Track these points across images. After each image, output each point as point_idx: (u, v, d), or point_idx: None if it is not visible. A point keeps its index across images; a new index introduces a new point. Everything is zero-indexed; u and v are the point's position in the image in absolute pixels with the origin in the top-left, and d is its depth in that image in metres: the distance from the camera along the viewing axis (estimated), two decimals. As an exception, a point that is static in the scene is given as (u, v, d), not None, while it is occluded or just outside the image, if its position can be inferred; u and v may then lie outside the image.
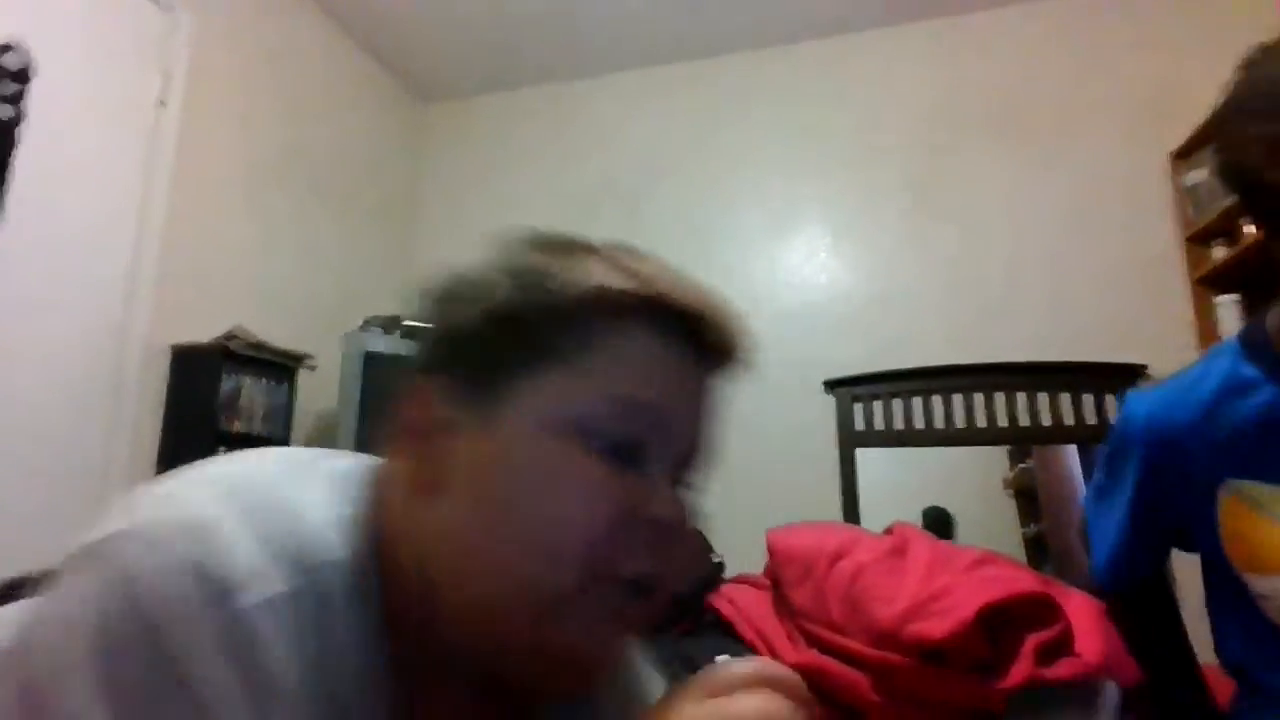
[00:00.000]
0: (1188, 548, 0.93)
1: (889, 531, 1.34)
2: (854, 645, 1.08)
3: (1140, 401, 0.94)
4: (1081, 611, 0.97)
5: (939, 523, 2.49)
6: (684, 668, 1.43)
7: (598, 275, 0.44)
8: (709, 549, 1.83)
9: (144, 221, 2.17)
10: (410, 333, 2.50)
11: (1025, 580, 1.01)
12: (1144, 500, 0.91)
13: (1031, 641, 0.92)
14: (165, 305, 2.21)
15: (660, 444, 0.44)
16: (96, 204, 2.05)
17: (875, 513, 2.48)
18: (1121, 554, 0.93)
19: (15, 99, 1.80)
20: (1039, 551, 2.49)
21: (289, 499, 0.41)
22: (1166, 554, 0.96)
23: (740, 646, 1.40)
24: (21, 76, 1.81)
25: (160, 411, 2.19)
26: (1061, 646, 0.93)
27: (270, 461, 0.45)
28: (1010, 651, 0.94)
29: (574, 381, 0.43)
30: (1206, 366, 0.90)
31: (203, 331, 2.25)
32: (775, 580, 1.47)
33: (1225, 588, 0.87)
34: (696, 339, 0.45)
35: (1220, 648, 0.91)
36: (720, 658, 1.50)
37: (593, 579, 0.40)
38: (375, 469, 0.47)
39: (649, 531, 0.42)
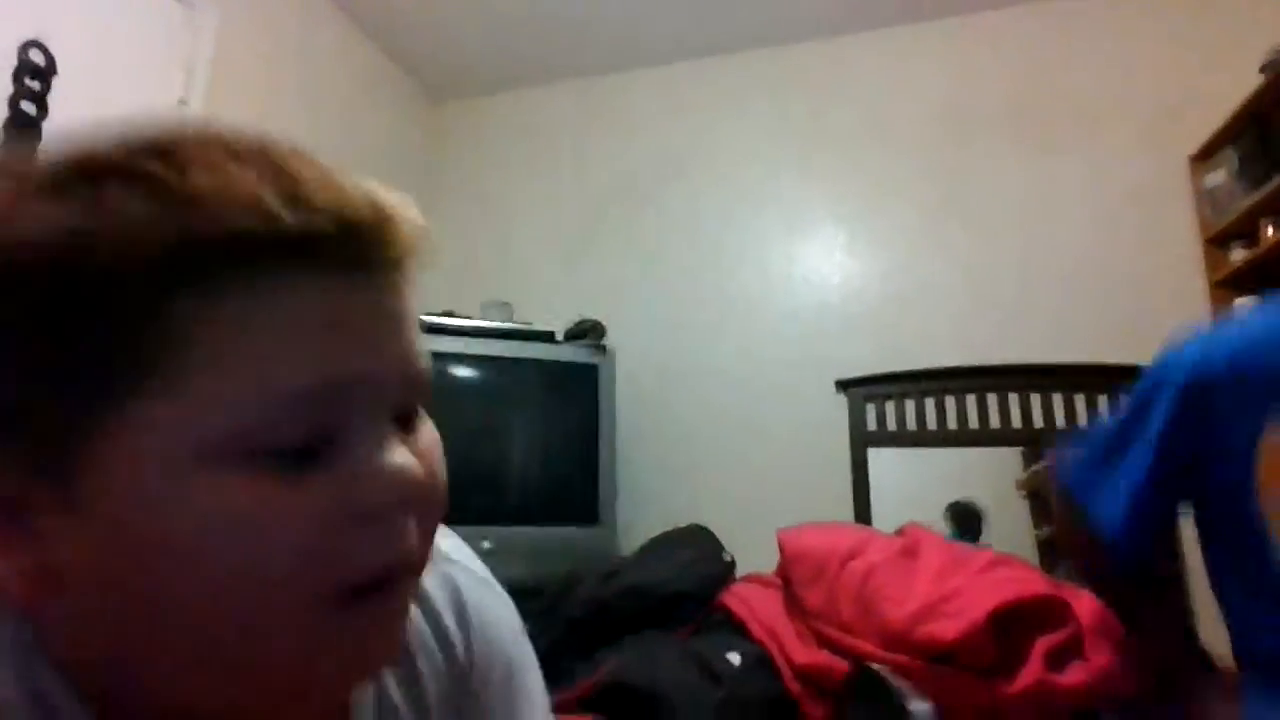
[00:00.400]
0: (1199, 506, 0.91)
1: (900, 532, 1.35)
2: (864, 646, 1.08)
3: (1181, 348, 0.93)
4: (1091, 615, 0.97)
5: (966, 517, 2.47)
6: (695, 665, 1.44)
7: (144, 223, 0.29)
8: (719, 548, 1.83)
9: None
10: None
11: (1037, 583, 1.01)
12: (1168, 447, 0.89)
13: (1041, 645, 0.92)
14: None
15: (356, 409, 0.33)
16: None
17: (887, 513, 2.47)
18: (1138, 507, 0.90)
19: (39, 95, 1.83)
20: (1052, 554, 2.47)
21: None
22: (1176, 515, 0.94)
23: (750, 645, 1.40)
24: (45, 73, 1.84)
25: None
26: (1071, 650, 0.93)
27: None
28: (1020, 655, 0.94)
29: (187, 400, 0.29)
30: (1248, 317, 0.90)
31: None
32: (786, 580, 1.48)
33: (1243, 557, 0.85)
34: (344, 256, 0.32)
35: (1228, 617, 0.89)
36: (730, 655, 1.51)
37: (324, 611, 0.32)
38: None
39: (373, 519, 0.33)
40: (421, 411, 0.38)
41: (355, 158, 2.49)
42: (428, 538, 0.36)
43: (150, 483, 0.30)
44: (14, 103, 1.79)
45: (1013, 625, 0.95)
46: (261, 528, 0.30)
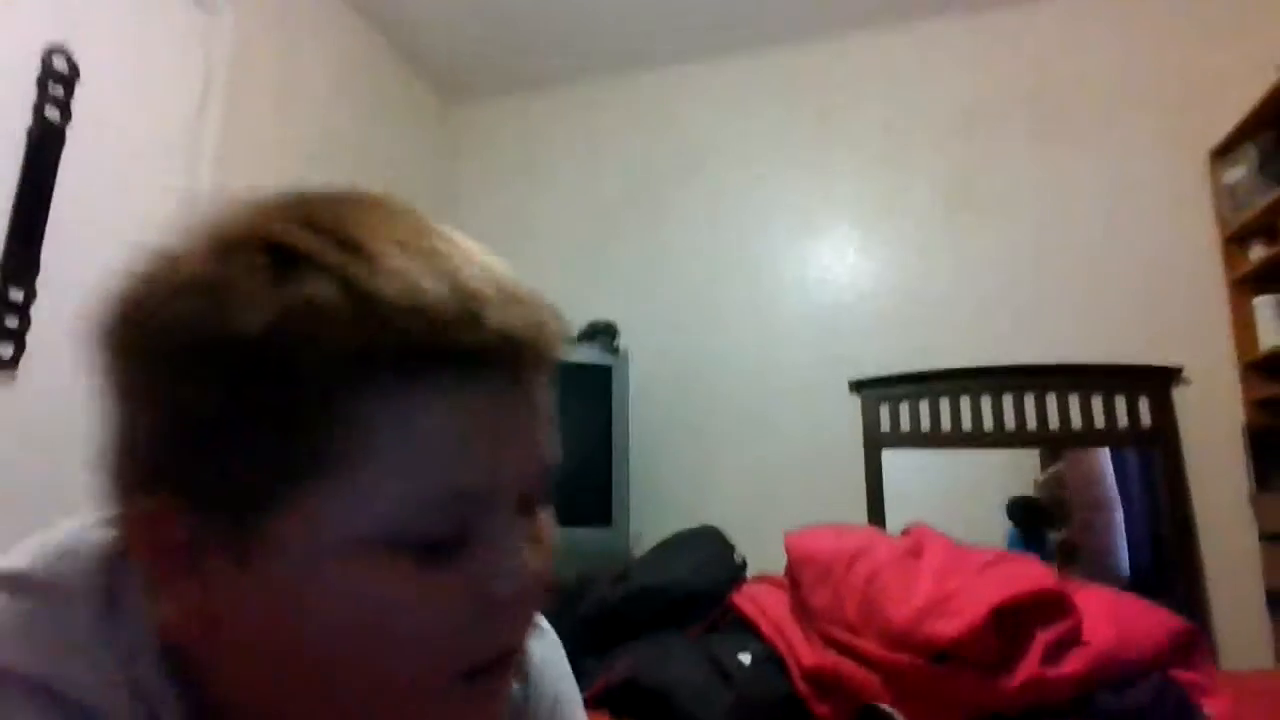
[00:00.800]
0: None
1: (906, 533, 1.35)
2: (867, 646, 1.09)
3: None
4: (1094, 601, 0.96)
5: (1029, 513, 2.45)
6: (706, 664, 1.45)
7: (343, 328, 0.31)
8: (730, 549, 1.84)
9: (186, 219, 2.23)
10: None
11: (1038, 578, 1.00)
12: None
13: (1040, 640, 0.92)
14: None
15: (496, 507, 0.36)
16: (140, 202, 2.11)
17: (903, 515, 2.46)
18: None
19: (62, 101, 1.87)
20: (1069, 555, 2.46)
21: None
22: None
23: (760, 644, 1.41)
24: (68, 80, 1.88)
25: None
26: (1070, 641, 0.93)
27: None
28: (1021, 650, 0.93)
29: (358, 489, 0.32)
30: None
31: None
32: (794, 582, 1.48)
33: None
34: (505, 366, 0.35)
35: None
36: (741, 655, 1.51)
37: (443, 690, 0.35)
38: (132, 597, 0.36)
39: (499, 612, 0.35)
40: (539, 496, 0.40)
41: (370, 159, 2.55)
42: (535, 616, 0.40)
43: (311, 561, 0.32)
44: (39, 109, 1.82)
45: (1014, 621, 0.95)
46: (403, 612, 0.33)
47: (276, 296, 0.31)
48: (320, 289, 0.31)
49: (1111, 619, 0.94)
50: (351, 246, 0.33)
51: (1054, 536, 2.47)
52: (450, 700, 0.35)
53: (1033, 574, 1.03)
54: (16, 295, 1.77)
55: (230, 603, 0.33)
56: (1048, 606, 0.95)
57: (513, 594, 0.36)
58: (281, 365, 0.31)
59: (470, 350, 0.33)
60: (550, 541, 0.40)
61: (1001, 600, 0.94)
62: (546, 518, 0.40)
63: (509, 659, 0.38)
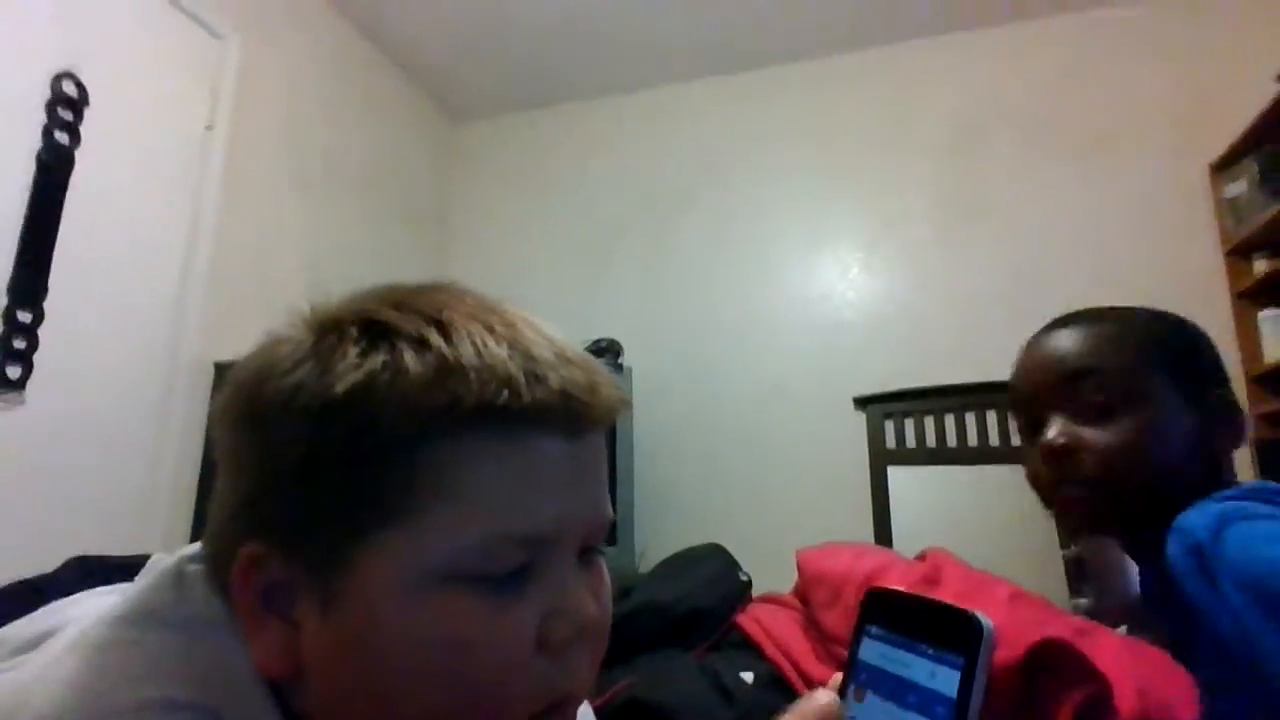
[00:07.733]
0: None
1: (922, 557, 1.33)
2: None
3: None
4: (1113, 657, 0.93)
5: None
6: (709, 683, 1.44)
7: (421, 386, 0.35)
8: (735, 566, 1.83)
9: (192, 241, 2.23)
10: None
11: (1059, 625, 0.97)
12: None
13: (1069, 703, 0.88)
14: (213, 323, 2.27)
15: (557, 549, 0.38)
16: (148, 224, 2.12)
17: (908, 532, 2.46)
18: None
19: (71, 125, 1.88)
20: (1079, 573, 2.45)
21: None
22: None
23: (764, 664, 1.40)
24: (77, 104, 1.89)
25: (204, 428, 2.23)
26: (1100, 706, 0.89)
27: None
28: (1045, 706, 0.89)
29: (432, 531, 0.35)
30: None
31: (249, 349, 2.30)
32: (805, 600, 1.47)
33: None
34: (564, 421, 0.38)
35: None
36: (745, 674, 1.50)
37: None
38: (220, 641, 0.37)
39: (564, 645, 0.37)
40: (599, 548, 0.42)
41: (376, 180, 2.56)
42: (594, 667, 0.41)
43: (387, 600, 0.35)
44: (48, 133, 1.84)
45: (1040, 668, 0.91)
46: (472, 649, 0.35)
47: (365, 361, 0.36)
48: (402, 353, 0.36)
49: (1133, 680, 0.90)
50: (431, 320, 0.38)
51: (1065, 554, 2.45)
52: None
53: (1054, 620, 1.00)
54: (25, 317, 1.78)
55: (314, 649, 0.36)
56: (1075, 665, 0.91)
57: (569, 636, 0.37)
58: (364, 418, 0.35)
59: (534, 406, 0.37)
60: (606, 590, 0.42)
61: (1036, 641, 0.90)
62: (602, 566, 0.42)
63: (565, 707, 0.39)
